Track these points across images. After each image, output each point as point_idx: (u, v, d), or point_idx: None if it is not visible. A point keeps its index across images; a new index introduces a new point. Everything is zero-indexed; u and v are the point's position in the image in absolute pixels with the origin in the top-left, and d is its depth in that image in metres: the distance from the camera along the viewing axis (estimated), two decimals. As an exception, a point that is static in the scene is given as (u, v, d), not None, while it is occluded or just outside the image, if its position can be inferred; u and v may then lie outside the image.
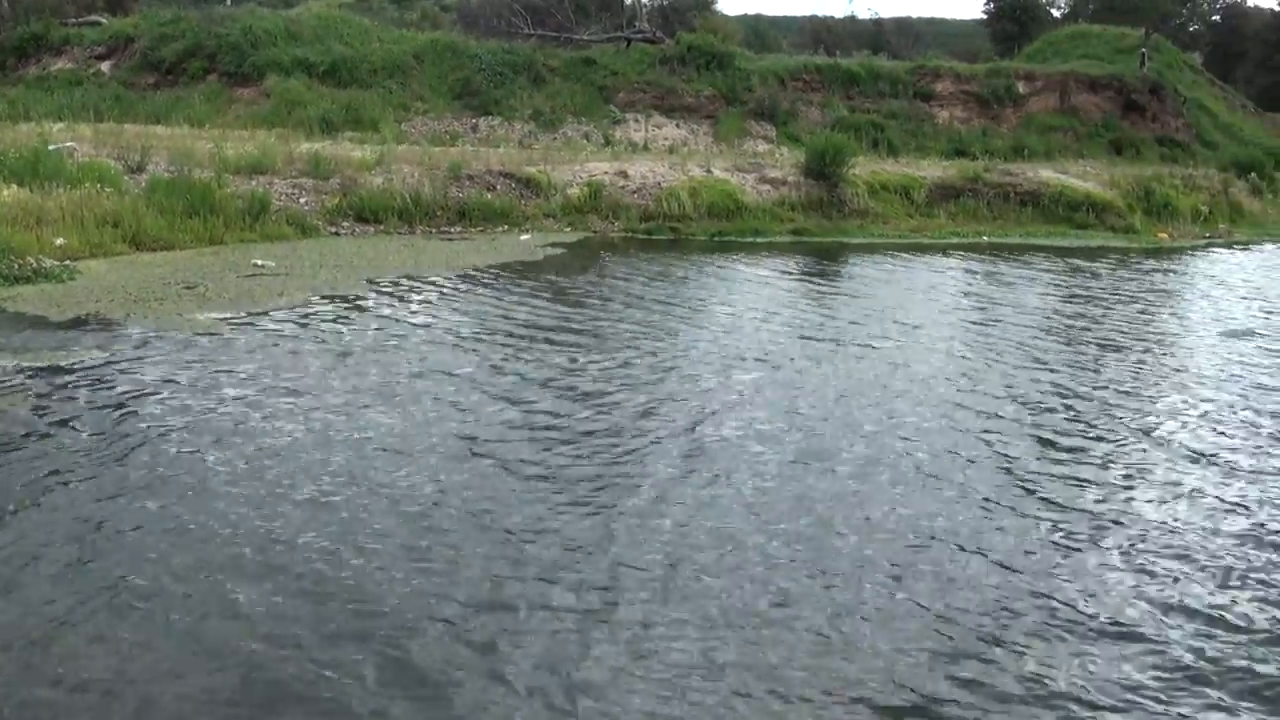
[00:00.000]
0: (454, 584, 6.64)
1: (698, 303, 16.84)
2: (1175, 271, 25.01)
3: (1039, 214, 30.98)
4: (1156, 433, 10.86)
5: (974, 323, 16.53)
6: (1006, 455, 9.74)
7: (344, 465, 8.44)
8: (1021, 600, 6.78)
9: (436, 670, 5.72)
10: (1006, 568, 7.26)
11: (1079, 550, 7.62)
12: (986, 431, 10.43)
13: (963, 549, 7.52)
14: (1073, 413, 11.38)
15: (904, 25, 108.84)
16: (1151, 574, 7.24)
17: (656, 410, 10.43)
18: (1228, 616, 6.65)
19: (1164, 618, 6.61)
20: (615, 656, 5.92)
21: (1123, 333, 16.43)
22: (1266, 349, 15.67)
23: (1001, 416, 11.06)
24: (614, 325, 14.50)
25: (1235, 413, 11.67)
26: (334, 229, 22.38)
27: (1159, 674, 5.95)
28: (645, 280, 18.71)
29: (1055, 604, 6.70)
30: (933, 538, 7.69)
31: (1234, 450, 10.15)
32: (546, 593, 6.58)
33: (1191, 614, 6.67)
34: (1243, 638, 6.39)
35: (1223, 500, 8.73)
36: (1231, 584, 7.13)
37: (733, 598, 6.66)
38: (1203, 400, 12.20)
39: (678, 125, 39.84)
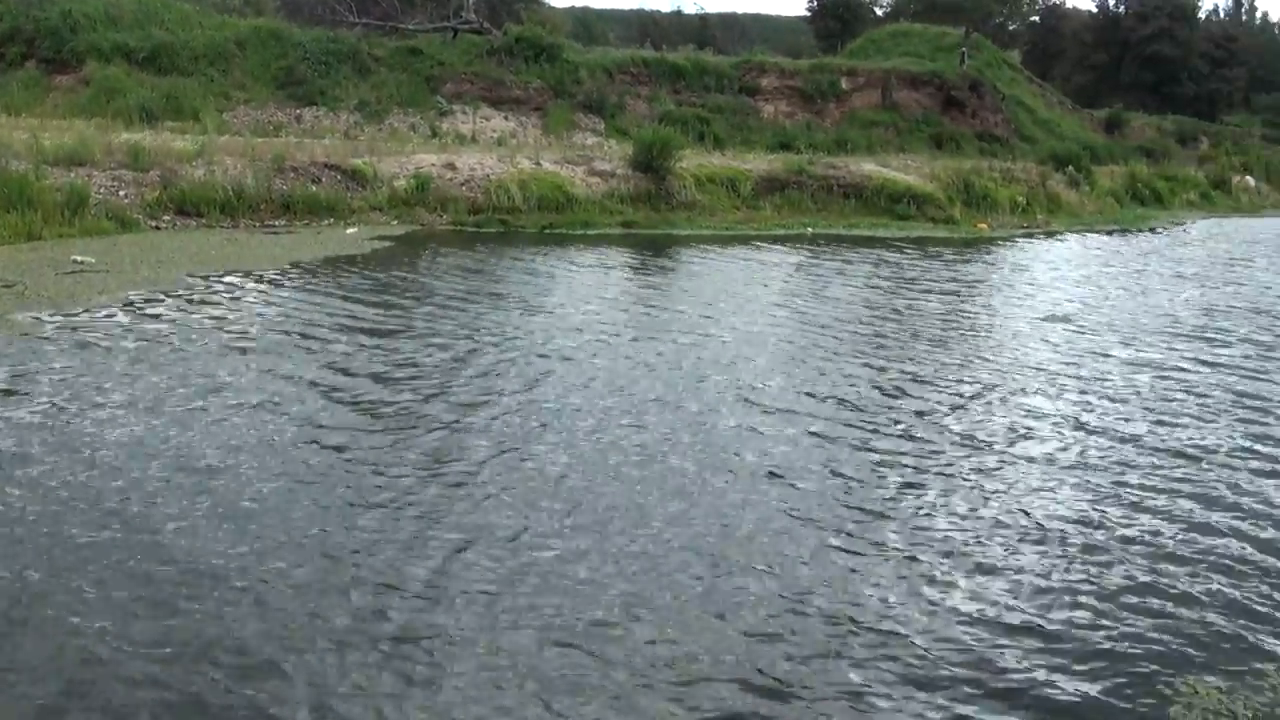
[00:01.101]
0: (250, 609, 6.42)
1: (526, 297, 16.61)
2: (993, 260, 25.66)
3: (862, 206, 31.56)
4: (969, 415, 11.01)
5: (797, 311, 16.61)
6: (820, 441, 9.75)
7: (156, 475, 8.15)
8: (811, 607, 6.75)
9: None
10: (805, 567, 7.30)
11: (892, 551, 7.65)
12: (799, 420, 10.45)
13: (768, 550, 7.55)
14: (890, 398, 11.50)
15: (729, 21, 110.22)
16: (955, 570, 7.35)
17: (477, 408, 10.26)
18: (1013, 618, 6.70)
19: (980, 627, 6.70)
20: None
21: (943, 319, 16.74)
22: (1080, 333, 16.14)
23: (822, 401, 11.10)
24: (440, 322, 14.18)
25: (1050, 396, 11.94)
26: (155, 223, 21.74)
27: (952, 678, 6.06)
28: (473, 275, 18.49)
29: (851, 612, 6.56)
30: (735, 539, 7.72)
31: (1047, 436, 10.33)
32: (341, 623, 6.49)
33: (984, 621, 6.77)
34: (1033, 640, 6.47)
35: (1039, 487, 8.89)
36: (1025, 580, 7.24)
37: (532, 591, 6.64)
38: (1019, 383, 12.44)
39: (506, 117, 39.77)
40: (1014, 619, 6.56)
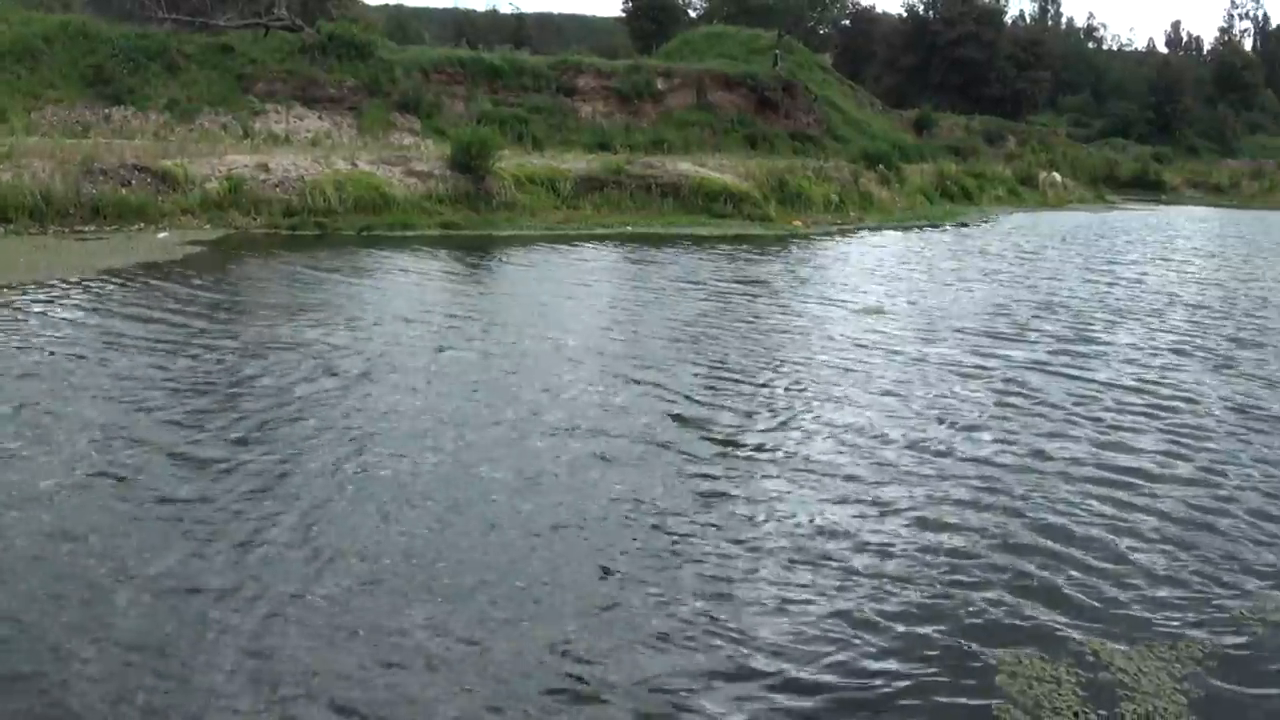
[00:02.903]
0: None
1: (338, 305, 16.16)
2: (806, 257, 26.11)
3: (680, 205, 31.85)
4: (787, 403, 11.33)
5: (613, 315, 16.71)
6: (631, 434, 9.88)
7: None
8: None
9: None
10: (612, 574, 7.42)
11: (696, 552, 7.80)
12: (623, 415, 10.57)
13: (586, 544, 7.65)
14: (712, 390, 11.73)
15: (545, 21, 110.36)
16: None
17: (291, 422, 10.04)
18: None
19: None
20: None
21: (762, 313, 17.08)
22: (895, 323, 16.73)
23: (645, 395, 11.28)
24: (246, 334, 13.80)
25: (867, 387, 12.22)
26: (-40, 230, 21.05)
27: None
28: (285, 282, 18.04)
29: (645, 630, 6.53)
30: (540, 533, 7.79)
31: (846, 435, 10.49)
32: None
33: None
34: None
35: (833, 482, 9.07)
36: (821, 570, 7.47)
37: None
38: (823, 378, 12.71)
39: (320, 117, 39.23)
40: (825, 608, 6.77)
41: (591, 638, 6.30)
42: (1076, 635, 6.53)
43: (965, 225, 38.23)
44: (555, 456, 9.35)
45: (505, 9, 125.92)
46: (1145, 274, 25.35)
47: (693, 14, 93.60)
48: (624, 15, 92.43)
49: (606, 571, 7.14)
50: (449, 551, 7.34)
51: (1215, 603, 7.09)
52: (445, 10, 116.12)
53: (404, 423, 10.14)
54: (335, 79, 40.57)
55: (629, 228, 28.92)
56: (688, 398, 11.51)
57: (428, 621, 6.35)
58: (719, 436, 10.21)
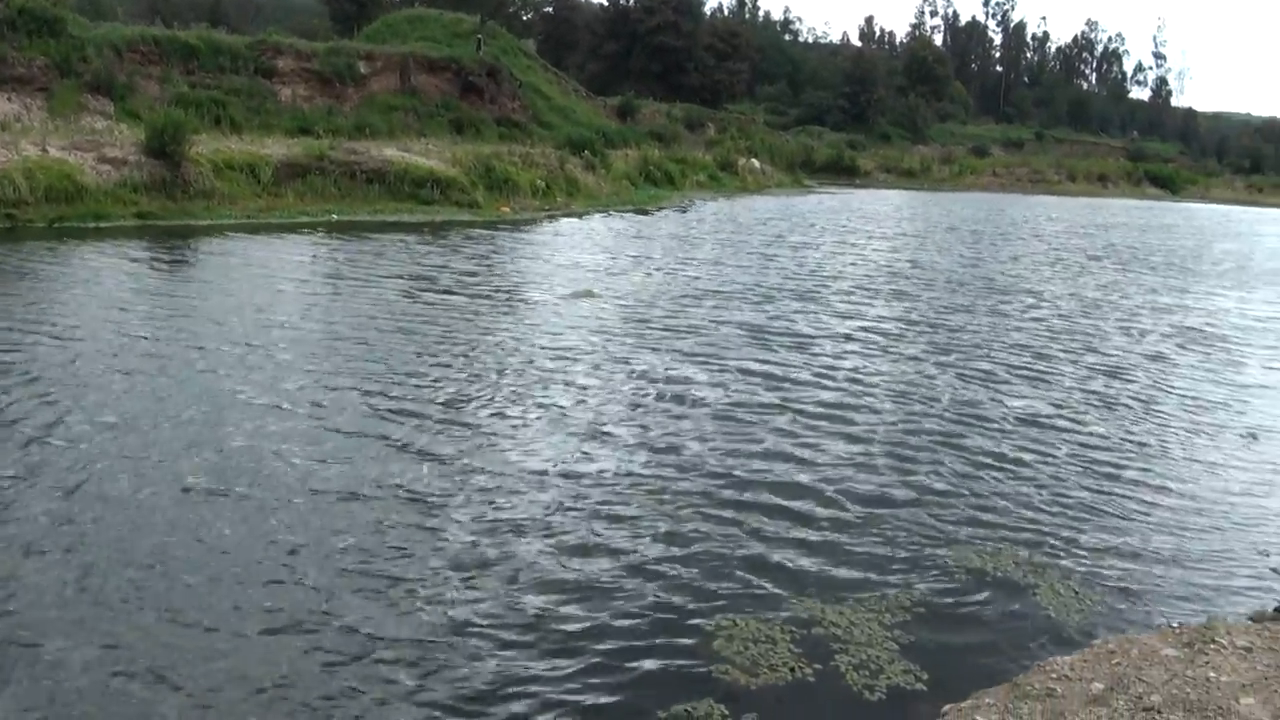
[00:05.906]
0: None
1: (25, 306, 15.03)
2: (517, 241, 26.54)
3: (386, 191, 31.61)
4: (500, 384, 11.71)
5: (292, 307, 16.33)
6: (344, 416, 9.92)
7: None
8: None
9: None
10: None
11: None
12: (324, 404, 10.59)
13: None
14: (424, 376, 11.99)
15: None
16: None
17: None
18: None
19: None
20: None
21: (472, 299, 17.32)
22: (606, 305, 17.37)
23: (346, 389, 11.30)
24: None
25: (579, 363, 12.70)
26: None
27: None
28: None
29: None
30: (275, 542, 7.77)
31: (554, 417, 10.82)
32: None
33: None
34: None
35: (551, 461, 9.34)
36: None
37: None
38: (547, 353, 13.25)
39: (9, 99, 37.40)
40: (553, 583, 7.05)
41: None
42: (789, 597, 7.00)
43: (667, 210, 39.21)
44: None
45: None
46: (828, 257, 27.00)
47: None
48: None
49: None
50: None
51: (918, 560, 7.74)
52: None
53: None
54: (25, 57, 38.67)
55: (334, 216, 28.58)
56: (417, 376, 11.52)
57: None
58: (421, 425, 10.22)
